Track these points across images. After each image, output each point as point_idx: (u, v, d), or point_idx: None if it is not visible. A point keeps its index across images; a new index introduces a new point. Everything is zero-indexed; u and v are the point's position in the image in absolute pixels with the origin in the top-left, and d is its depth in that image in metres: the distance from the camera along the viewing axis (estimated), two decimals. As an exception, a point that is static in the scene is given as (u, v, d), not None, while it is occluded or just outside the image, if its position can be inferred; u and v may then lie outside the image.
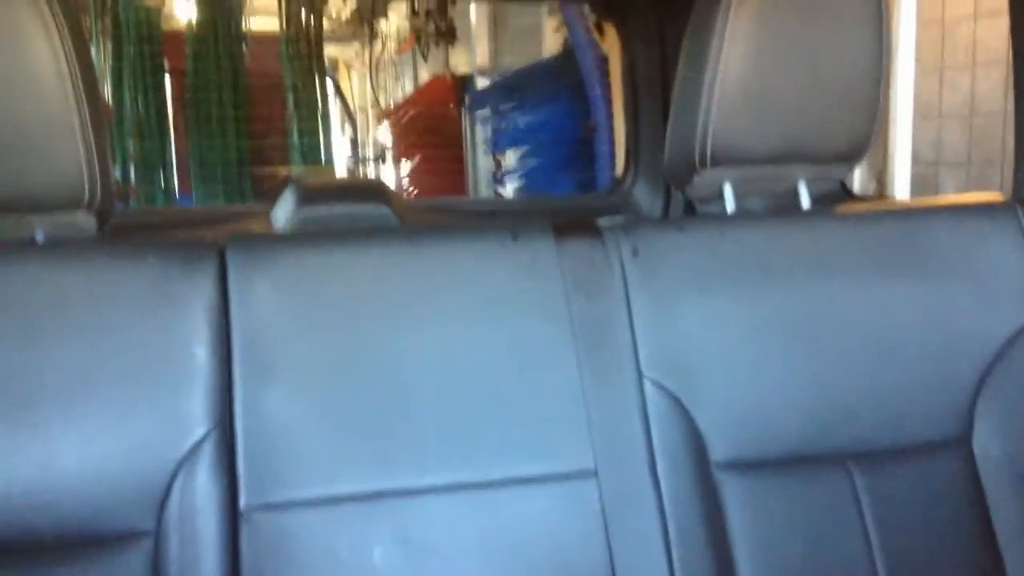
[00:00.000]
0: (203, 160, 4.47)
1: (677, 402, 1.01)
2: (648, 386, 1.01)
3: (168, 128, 4.44)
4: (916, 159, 3.00)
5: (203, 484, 0.91)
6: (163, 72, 4.42)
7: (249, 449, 0.93)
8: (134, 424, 0.91)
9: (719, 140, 1.07)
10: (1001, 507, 1.05)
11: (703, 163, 1.09)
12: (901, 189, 2.93)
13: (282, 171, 4.75)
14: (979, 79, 2.85)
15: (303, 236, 1.06)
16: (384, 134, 6.41)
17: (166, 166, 4.42)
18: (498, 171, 4.69)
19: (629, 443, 1.00)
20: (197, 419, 0.92)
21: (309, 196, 1.36)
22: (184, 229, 1.69)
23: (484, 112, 4.72)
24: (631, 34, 1.87)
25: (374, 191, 1.44)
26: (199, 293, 0.96)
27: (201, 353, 0.94)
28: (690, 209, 1.21)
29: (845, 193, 1.55)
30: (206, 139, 4.44)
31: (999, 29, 2.78)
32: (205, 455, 0.92)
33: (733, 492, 1.01)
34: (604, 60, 3.70)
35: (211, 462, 0.92)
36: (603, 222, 1.10)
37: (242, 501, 0.92)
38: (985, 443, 1.06)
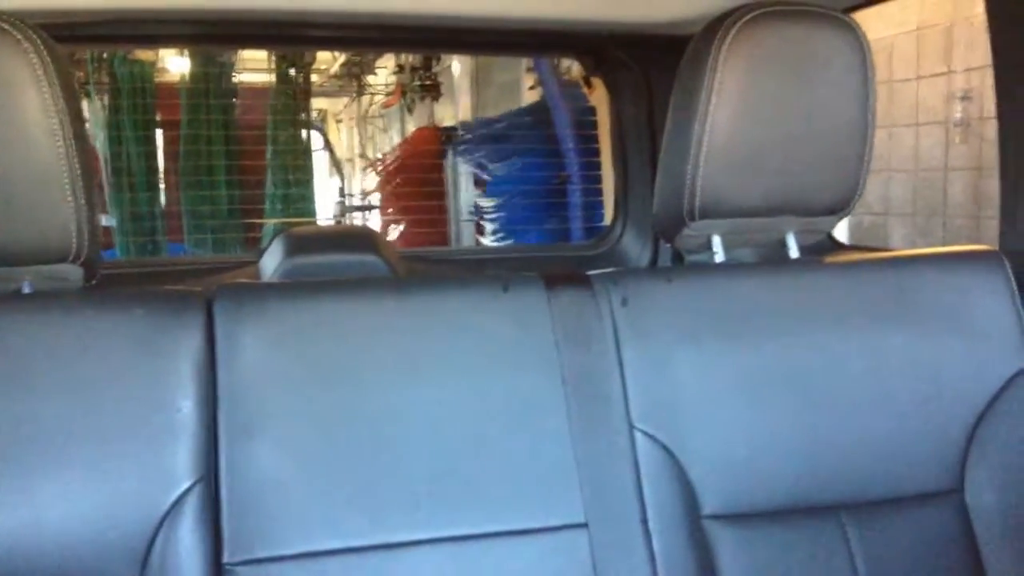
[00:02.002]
0: (195, 211, 4.61)
1: (668, 453, 1.00)
2: (639, 437, 1.00)
3: (158, 180, 4.59)
4: (868, 209, 3.19)
5: (186, 538, 0.90)
6: (155, 125, 4.59)
7: (233, 503, 0.92)
8: (118, 477, 0.90)
9: (707, 194, 1.06)
10: (994, 558, 1.04)
11: (692, 216, 1.08)
12: (842, 235, 3.11)
13: (270, 221, 4.89)
14: (922, 136, 3.05)
15: (291, 286, 1.05)
16: (370, 183, 6.58)
17: (156, 217, 4.56)
18: (479, 220, 4.84)
19: (620, 495, 0.99)
20: (181, 473, 0.91)
21: (298, 245, 1.38)
22: (172, 279, 1.65)
23: (466, 162, 4.90)
24: (619, 87, 1.89)
25: (363, 240, 1.45)
26: (185, 345, 0.95)
27: (187, 406, 0.93)
28: (679, 260, 1.21)
29: (832, 243, 1.57)
30: (197, 190, 4.59)
31: (938, 88, 2.98)
32: (189, 509, 0.91)
33: (725, 544, 1.00)
34: (579, 112, 3.90)
35: (195, 516, 0.91)
36: (593, 273, 1.10)
37: (226, 556, 0.91)
38: (977, 493, 1.05)
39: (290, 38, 1.85)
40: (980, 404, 1.07)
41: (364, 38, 1.85)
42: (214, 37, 1.78)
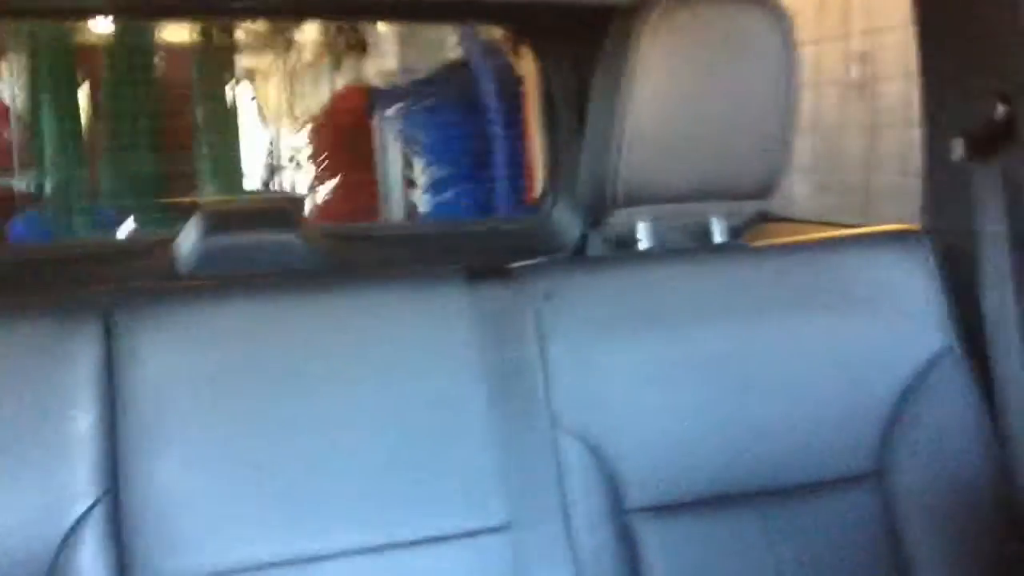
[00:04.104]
0: (117, 173, 4.59)
1: (593, 449, 0.99)
2: (563, 434, 0.99)
3: (81, 144, 4.55)
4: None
5: (90, 557, 0.87)
6: (75, 86, 4.53)
7: (138, 519, 0.89)
8: (14, 498, 0.87)
9: (632, 180, 1.05)
10: (914, 540, 1.04)
11: (616, 203, 1.07)
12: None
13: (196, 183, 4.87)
14: (822, 96, 3.23)
15: (195, 289, 1.03)
16: (298, 141, 6.56)
17: (81, 182, 4.52)
18: (410, 182, 4.88)
19: (544, 495, 0.98)
20: (83, 489, 0.88)
21: (214, 224, 1.36)
22: (81, 264, 1.59)
23: (395, 120, 4.92)
24: (548, 56, 1.85)
25: (281, 217, 1.44)
26: (84, 355, 0.91)
27: (86, 419, 0.89)
28: (607, 247, 1.19)
29: (763, 218, 1.55)
30: (120, 153, 4.56)
31: (838, 50, 3.15)
32: (92, 526, 0.87)
33: (649, 538, 1.00)
34: (503, 71, 3.95)
35: (99, 533, 0.87)
36: (515, 266, 1.07)
37: (133, 575, 0.89)
38: (898, 475, 1.06)
39: (212, 8, 1.82)
40: (901, 385, 1.07)
41: (285, 7, 1.82)
42: (136, 8, 1.74)
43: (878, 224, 1.22)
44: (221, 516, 0.91)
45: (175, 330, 0.95)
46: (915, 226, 1.19)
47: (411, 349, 1.00)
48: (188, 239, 1.37)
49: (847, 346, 1.08)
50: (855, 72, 3.08)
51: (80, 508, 0.88)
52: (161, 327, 0.95)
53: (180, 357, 0.94)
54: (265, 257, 1.38)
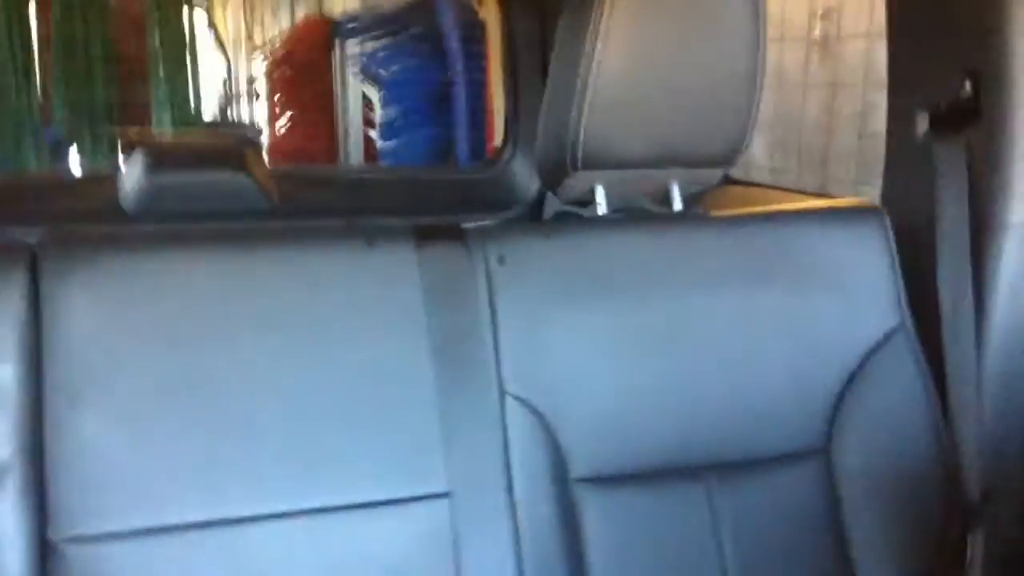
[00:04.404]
0: (68, 100, 4.42)
1: (540, 418, 0.97)
2: (509, 401, 0.97)
3: (33, 67, 4.36)
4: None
5: (6, 514, 0.84)
6: (25, 10, 4.33)
7: (60, 476, 0.85)
8: None
9: (592, 143, 1.01)
10: (856, 519, 1.03)
11: (575, 165, 1.03)
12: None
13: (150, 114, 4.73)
14: (785, 51, 3.20)
15: (129, 236, 0.97)
16: (257, 69, 6.40)
17: (31, 107, 4.35)
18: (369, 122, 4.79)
19: (487, 462, 0.95)
20: (1, 443, 0.84)
21: (160, 161, 1.29)
22: (12, 201, 1.49)
23: (355, 55, 4.81)
24: (511, 3, 1.78)
25: (232, 157, 1.37)
26: (5, 304, 0.87)
27: (6, 372, 0.85)
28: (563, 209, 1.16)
29: (725, 180, 1.49)
30: (71, 78, 4.39)
31: (802, 6, 3.12)
32: (9, 483, 0.84)
33: (592, 509, 0.98)
34: (467, 14, 3.87)
35: (17, 490, 0.84)
36: (468, 226, 1.04)
37: (51, 533, 0.85)
38: (843, 454, 1.04)
39: None
40: (850, 364, 1.06)
41: None
42: None
43: (835, 186, 1.22)
44: (146, 474, 0.87)
45: (105, 280, 0.90)
46: (873, 203, 1.17)
47: (355, 309, 0.96)
48: (132, 176, 1.30)
49: (799, 322, 1.06)
50: (819, 29, 3.05)
51: None
52: (91, 276, 0.90)
53: (109, 309, 0.90)
54: (213, 198, 1.31)
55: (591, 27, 0.98)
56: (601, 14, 0.97)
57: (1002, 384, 1.08)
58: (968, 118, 1.06)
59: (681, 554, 1.00)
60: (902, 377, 1.07)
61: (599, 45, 0.98)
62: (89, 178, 1.63)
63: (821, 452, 1.05)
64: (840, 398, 1.06)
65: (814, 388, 1.05)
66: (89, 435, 0.87)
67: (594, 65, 0.98)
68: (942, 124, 1.09)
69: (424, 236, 1.01)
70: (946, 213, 1.06)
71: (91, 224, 1.24)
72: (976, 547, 1.04)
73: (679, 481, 1.01)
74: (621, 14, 0.98)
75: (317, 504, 0.91)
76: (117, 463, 0.87)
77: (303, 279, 0.96)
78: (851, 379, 1.06)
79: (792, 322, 1.06)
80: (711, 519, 1.01)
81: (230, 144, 1.29)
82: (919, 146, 1.11)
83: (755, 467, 1.04)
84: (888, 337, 1.07)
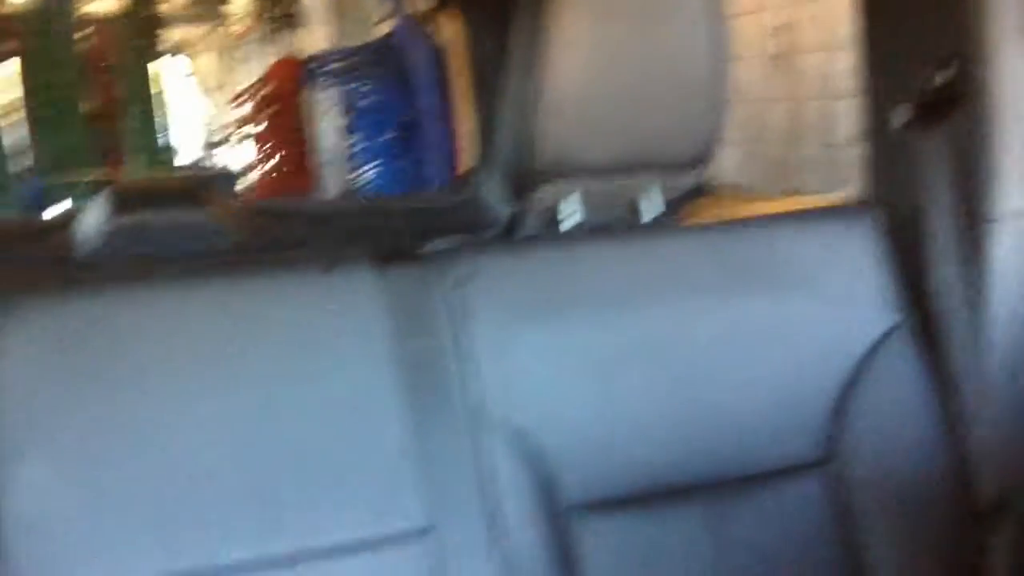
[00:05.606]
0: (45, 149, 4.31)
1: (520, 444, 0.90)
2: (485, 429, 0.90)
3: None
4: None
5: None
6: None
7: (10, 537, 0.79)
8: None
9: (554, 151, 0.95)
10: (868, 527, 0.96)
11: (540, 177, 0.98)
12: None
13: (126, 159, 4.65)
14: (742, 69, 3.16)
15: (67, 280, 0.90)
16: (232, 116, 6.33)
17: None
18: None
19: (466, 494, 0.89)
20: None
21: (120, 204, 1.20)
22: None
23: (329, 93, 4.77)
24: (476, 20, 1.69)
25: (191, 194, 1.28)
26: None
27: None
28: (538, 225, 1.08)
29: (699, 192, 1.53)
30: (46, 127, 4.29)
31: (758, 23, 3.08)
32: None
33: (586, 536, 0.91)
34: (432, 47, 3.82)
35: None
36: (426, 250, 0.97)
37: None
38: (848, 462, 0.97)
39: None
40: (848, 368, 0.98)
41: None
42: None
43: (805, 196, 1.13)
44: (96, 533, 0.80)
45: (45, 326, 0.83)
46: (857, 200, 1.10)
47: (314, 343, 0.88)
48: (89, 220, 1.21)
49: (790, 329, 0.98)
50: (772, 46, 3.01)
51: None
52: (30, 327, 0.83)
53: (52, 356, 0.83)
54: (172, 238, 1.20)
55: (542, 28, 0.92)
56: (553, 16, 0.91)
57: (1009, 377, 0.99)
58: (949, 106, 0.98)
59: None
60: (903, 378, 0.98)
61: (552, 48, 0.92)
62: (43, 224, 1.56)
63: (824, 462, 0.97)
64: (840, 405, 0.98)
65: (811, 397, 0.98)
66: (34, 492, 0.79)
67: (548, 71, 0.92)
68: (922, 114, 1.00)
69: (382, 261, 0.93)
70: (932, 206, 0.98)
71: (44, 270, 1.17)
72: (996, 555, 0.96)
73: (676, 502, 0.94)
74: (573, 15, 0.92)
75: (285, 550, 0.83)
76: (70, 519, 0.80)
77: (256, 312, 0.89)
78: (849, 384, 0.98)
79: (783, 329, 0.98)
80: (713, 539, 0.94)
81: (187, 182, 1.20)
82: (899, 139, 1.03)
83: (755, 482, 0.96)
84: (885, 338, 0.99)
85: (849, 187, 1.18)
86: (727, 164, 3.22)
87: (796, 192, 2.82)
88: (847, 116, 1.27)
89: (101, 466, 0.81)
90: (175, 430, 0.83)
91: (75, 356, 0.83)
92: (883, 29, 1.07)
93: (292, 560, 0.83)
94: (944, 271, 0.98)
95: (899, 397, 0.98)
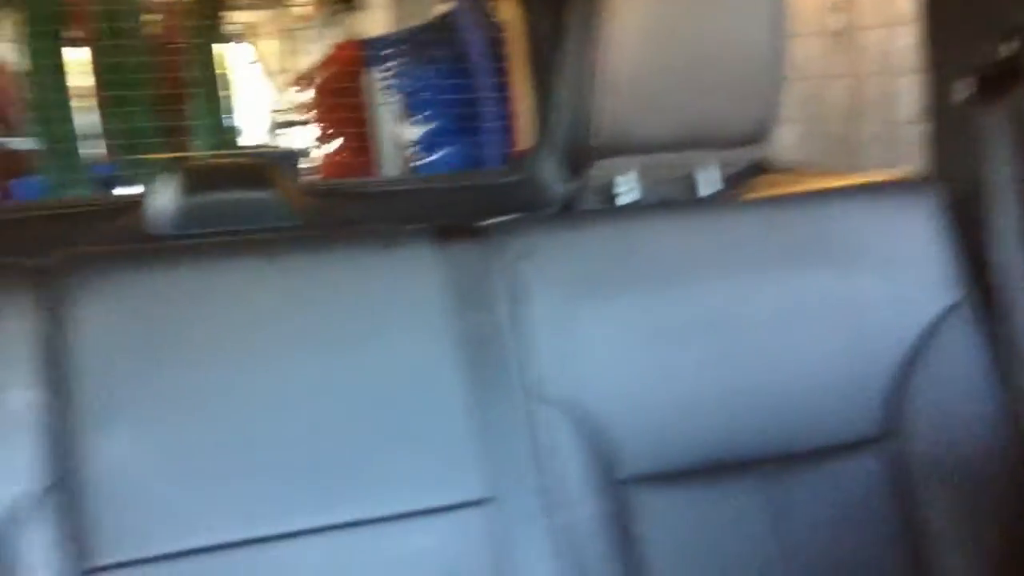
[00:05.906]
0: (119, 133, 4.41)
1: (579, 417, 0.91)
2: (543, 402, 0.91)
3: (67, 102, 4.34)
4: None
5: (42, 546, 0.79)
6: (60, 41, 4.30)
7: (91, 503, 0.81)
8: None
9: (611, 128, 0.95)
10: (932, 503, 0.96)
11: (598, 153, 0.97)
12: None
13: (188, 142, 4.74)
14: (801, 46, 3.09)
15: (144, 251, 0.93)
16: (294, 99, 6.40)
17: (71, 139, 4.33)
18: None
19: (525, 466, 0.90)
20: (28, 474, 0.80)
21: (190, 184, 1.23)
22: (38, 228, 1.43)
23: (387, 74, 4.78)
24: (531, 2, 1.69)
25: (258, 175, 1.30)
26: (18, 326, 0.82)
27: (24, 397, 0.81)
28: (595, 201, 1.09)
29: (761, 169, 1.43)
30: (116, 110, 4.39)
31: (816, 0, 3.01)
32: (43, 513, 0.79)
33: (644, 509, 0.91)
34: (490, 26, 3.81)
35: (51, 520, 0.80)
36: (488, 223, 0.98)
37: (87, 562, 0.80)
38: (907, 441, 0.97)
39: None
40: (908, 344, 0.97)
41: None
42: None
43: (866, 173, 1.11)
44: (175, 496, 0.83)
45: (122, 298, 0.85)
46: (919, 175, 1.08)
47: (376, 315, 0.90)
48: (159, 199, 1.25)
49: (850, 304, 0.97)
50: (832, 22, 2.94)
51: (27, 494, 0.80)
52: (106, 295, 0.85)
53: (128, 327, 0.85)
54: (239, 217, 1.24)
55: (599, 9, 0.92)
56: None
57: None
58: (1012, 80, 0.96)
59: (741, 553, 0.94)
60: (964, 355, 0.98)
61: (608, 26, 0.91)
62: (116, 203, 1.56)
63: (885, 438, 0.97)
64: (899, 381, 0.97)
65: (870, 373, 0.97)
66: (119, 459, 0.82)
67: (606, 46, 0.91)
68: (985, 89, 0.98)
69: (442, 235, 0.95)
70: (995, 180, 0.96)
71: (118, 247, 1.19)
72: None
73: (734, 476, 0.95)
74: None
75: (349, 518, 0.86)
76: (149, 486, 0.83)
77: (320, 285, 0.91)
78: (909, 361, 0.97)
79: (841, 305, 0.97)
80: (771, 514, 0.94)
81: (254, 163, 1.23)
82: (961, 114, 1.00)
83: (813, 458, 0.96)
84: (947, 314, 0.98)
85: (910, 165, 1.16)
86: (787, 141, 3.15)
87: (857, 170, 2.76)
88: (908, 93, 1.24)
89: (175, 434, 0.84)
90: (244, 400, 0.86)
91: (149, 327, 0.85)
92: (945, 3, 1.04)
93: (353, 528, 0.85)
94: (1006, 246, 0.96)
95: (960, 373, 0.97)
